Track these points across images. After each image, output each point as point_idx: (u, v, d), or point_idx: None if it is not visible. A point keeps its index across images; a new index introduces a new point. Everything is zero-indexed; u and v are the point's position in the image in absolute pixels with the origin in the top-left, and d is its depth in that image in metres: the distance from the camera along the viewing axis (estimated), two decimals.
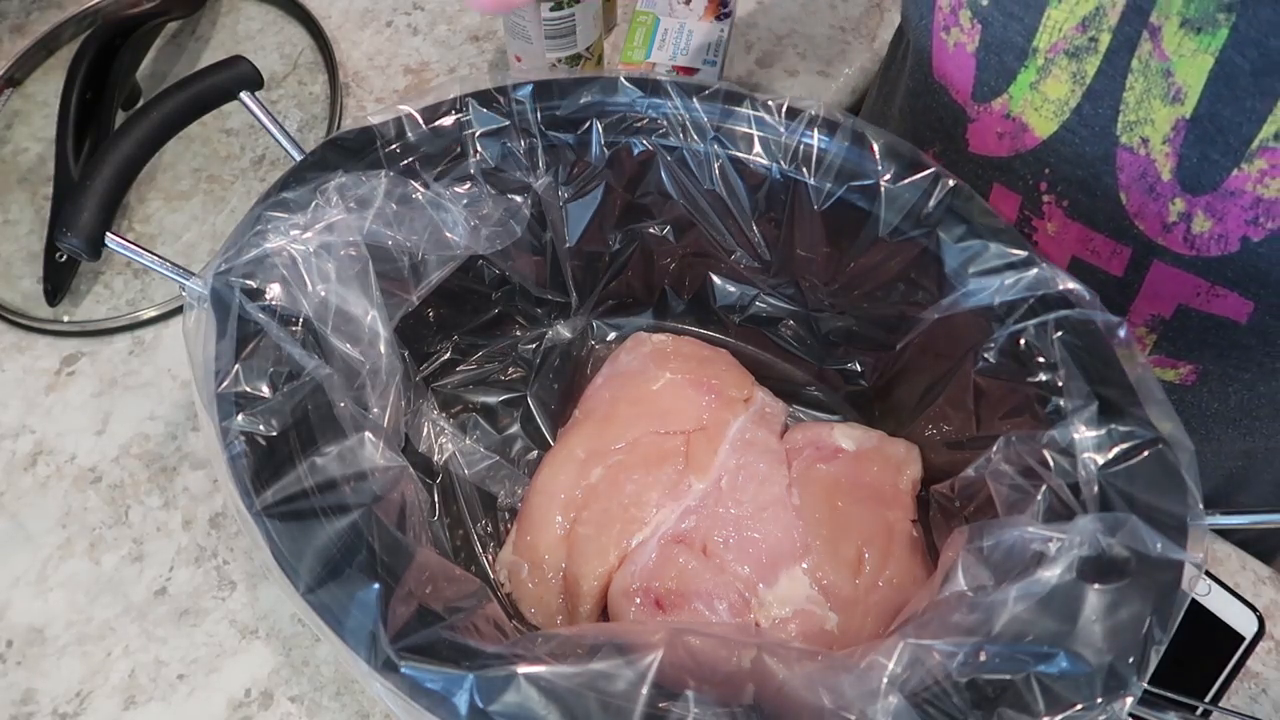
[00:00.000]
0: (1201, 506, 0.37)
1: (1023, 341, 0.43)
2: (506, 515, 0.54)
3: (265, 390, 0.39)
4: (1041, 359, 0.42)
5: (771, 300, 0.56)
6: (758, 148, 0.48)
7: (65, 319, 0.64)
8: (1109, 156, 0.45)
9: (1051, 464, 0.39)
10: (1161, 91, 0.41)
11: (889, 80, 0.63)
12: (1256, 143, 0.40)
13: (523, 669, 0.32)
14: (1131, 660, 0.33)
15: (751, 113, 0.48)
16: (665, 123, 0.49)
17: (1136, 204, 0.45)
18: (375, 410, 0.43)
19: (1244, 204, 0.41)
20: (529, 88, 0.49)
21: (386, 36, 0.76)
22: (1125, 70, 0.42)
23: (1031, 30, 0.44)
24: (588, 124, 0.49)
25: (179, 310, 0.63)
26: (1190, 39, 0.39)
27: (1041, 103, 0.46)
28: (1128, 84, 0.42)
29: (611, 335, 0.61)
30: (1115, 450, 0.38)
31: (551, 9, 0.64)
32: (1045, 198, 0.49)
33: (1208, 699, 0.48)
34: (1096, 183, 0.46)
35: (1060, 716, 0.32)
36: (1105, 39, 0.42)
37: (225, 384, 0.39)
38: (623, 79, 0.49)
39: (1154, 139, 0.43)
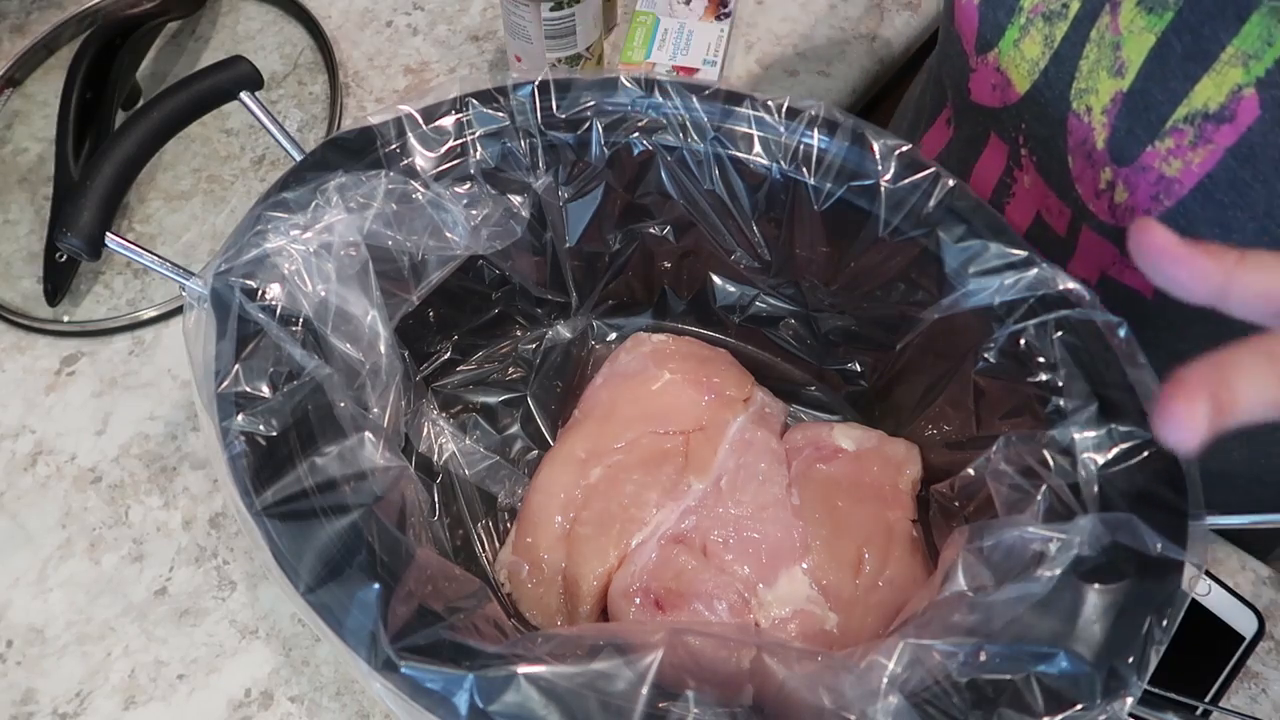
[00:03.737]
0: (1202, 506, 0.37)
1: (1023, 341, 0.43)
2: (506, 515, 0.54)
3: (265, 390, 0.39)
4: (1041, 359, 0.42)
5: (771, 300, 0.56)
6: (758, 148, 0.48)
7: (65, 319, 0.64)
8: (1063, 120, 0.46)
9: (1051, 464, 0.39)
10: (1109, 64, 0.43)
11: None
12: (1170, 122, 0.41)
13: (523, 669, 0.32)
14: (1131, 660, 0.33)
15: (751, 113, 0.48)
16: (665, 123, 0.49)
17: (1078, 169, 0.47)
18: (375, 410, 0.43)
19: (1150, 179, 0.43)
20: (529, 88, 0.49)
21: (386, 36, 0.76)
22: (1085, 39, 0.44)
23: None
24: (588, 124, 0.49)
25: (179, 310, 0.63)
26: (1142, 17, 0.41)
27: (1020, 61, 0.47)
28: (1084, 53, 0.44)
29: (611, 335, 0.61)
30: (1115, 450, 0.38)
31: (551, 9, 0.64)
32: (1023, 151, 0.51)
33: (1208, 699, 0.48)
34: (1053, 144, 0.48)
35: (1060, 716, 0.32)
36: (1075, 6, 0.44)
37: (225, 384, 0.39)
38: (623, 79, 0.49)
39: (1095, 108, 0.44)
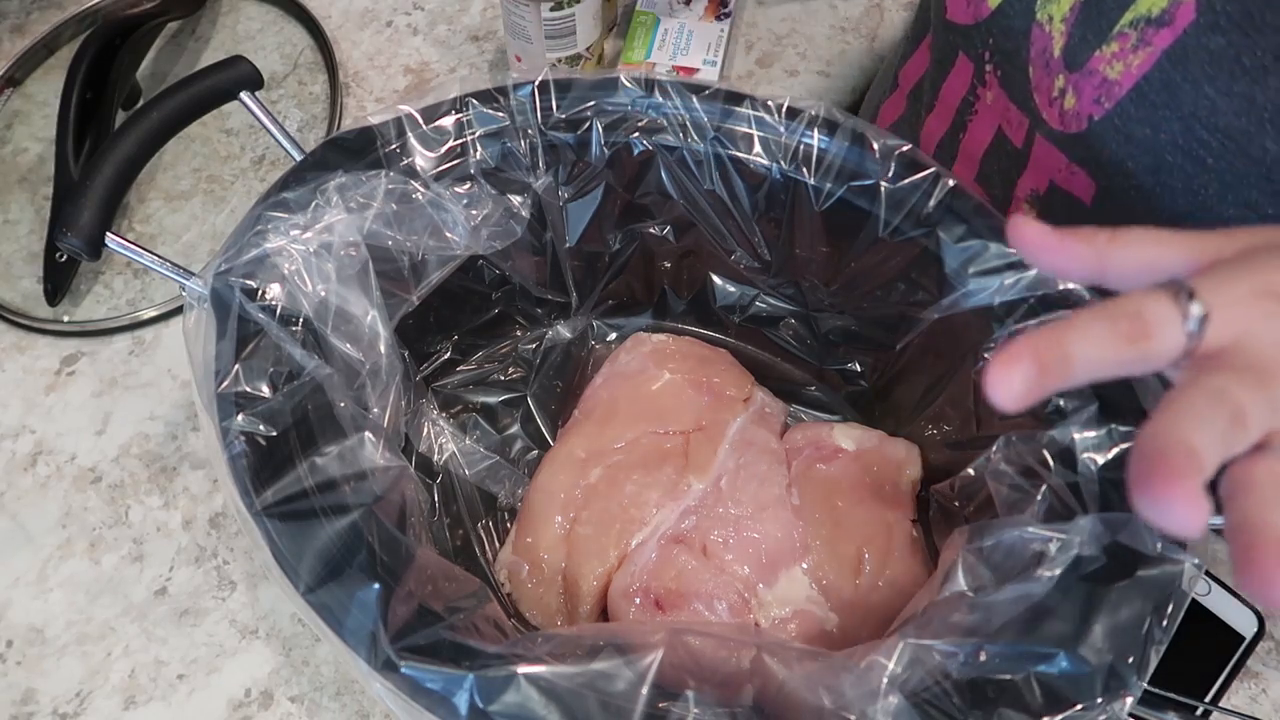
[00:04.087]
0: None
1: None
2: (506, 515, 0.54)
3: (265, 390, 0.39)
4: None
5: (771, 300, 0.56)
6: (758, 148, 0.48)
7: (65, 319, 0.64)
8: (1027, 32, 0.47)
9: (1051, 464, 0.39)
10: None
11: None
12: (1117, 27, 0.43)
13: (523, 669, 0.32)
14: (1131, 660, 0.33)
15: (751, 113, 0.48)
16: (665, 123, 0.49)
17: (1037, 78, 0.47)
18: (375, 410, 0.43)
19: (1094, 83, 0.44)
20: (529, 88, 0.49)
21: (386, 36, 0.76)
22: None
23: None
24: (588, 124, 0.49)
25: (179, 310, 0.63)
26: None
27: None
28: None
29: (611, 335, 0.61)
30: (1115, 450, 0.38)
31: (551, 9, 0.64)
32: (988, 67, 0.51)
33: (1208, 699, 0.48)
34: (1017, 56, 0.48)
35: (1060, 716, 0.32)
36: None
37: (225, 384, 0.39)
38: (623, 79, 0.49)
39: (1056, 17, 0.45)
